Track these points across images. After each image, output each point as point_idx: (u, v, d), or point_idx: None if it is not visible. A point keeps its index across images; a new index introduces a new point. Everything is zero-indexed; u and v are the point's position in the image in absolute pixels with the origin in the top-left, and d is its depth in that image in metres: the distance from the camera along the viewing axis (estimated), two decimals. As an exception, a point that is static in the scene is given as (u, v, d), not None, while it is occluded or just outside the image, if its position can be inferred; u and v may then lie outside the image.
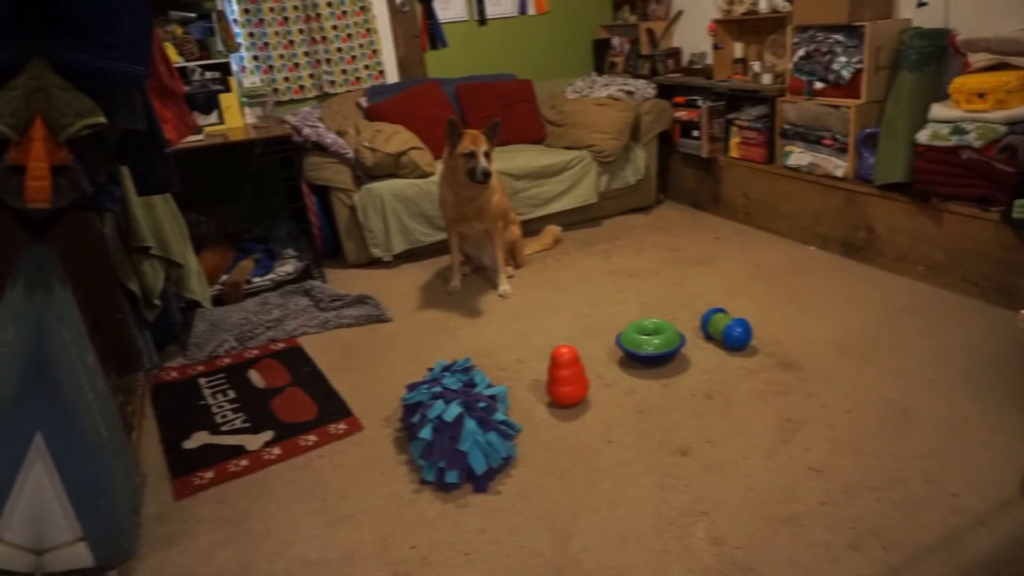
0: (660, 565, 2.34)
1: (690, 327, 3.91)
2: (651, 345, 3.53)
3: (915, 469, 2.68)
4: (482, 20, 6.64)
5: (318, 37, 5.86)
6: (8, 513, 2.21)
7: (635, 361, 3.60)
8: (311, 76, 5.98)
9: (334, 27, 5.90)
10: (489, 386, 3.10)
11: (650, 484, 2.73)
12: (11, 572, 2.25)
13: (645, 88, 6.13)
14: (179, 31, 4.90)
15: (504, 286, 4.68)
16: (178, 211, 4.01)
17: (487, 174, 4.16)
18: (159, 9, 4.78)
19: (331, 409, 3.43)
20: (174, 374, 3.87)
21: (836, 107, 4.66)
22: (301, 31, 5.83)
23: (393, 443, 3.13)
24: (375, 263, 5.37)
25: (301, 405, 3.48)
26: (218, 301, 4.66)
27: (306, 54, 5.90)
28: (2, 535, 2.22)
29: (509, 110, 6.11)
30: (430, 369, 3.20)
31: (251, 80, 5.65)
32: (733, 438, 2.97)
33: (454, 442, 2.75)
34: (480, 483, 2.76)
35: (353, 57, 6.06)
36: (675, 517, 2.55)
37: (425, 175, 5.18)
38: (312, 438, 3.20)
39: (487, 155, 4.21)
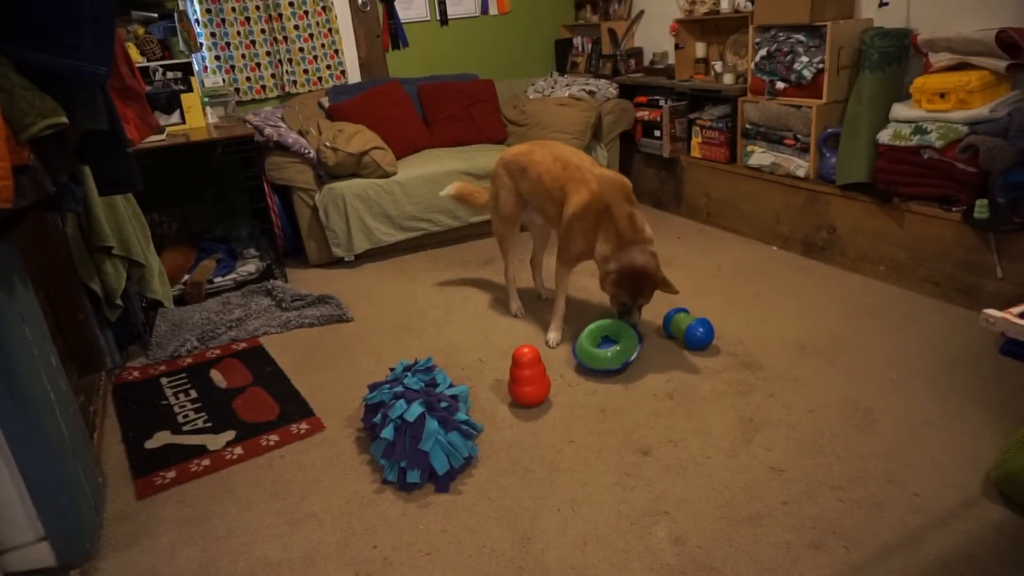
0: (621, 564, 2.36)
1: (652, 327, 3.95)
2: (605, 360, 3.50)
3: (876, 469, 2.72)
4: (444, 20, 6.67)
5: (280, 37, 5.85)
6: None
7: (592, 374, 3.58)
8: (273, 76, 5.97)
9: (296, 27, 5.90)
10: (451, 386, 3.12)
11: (611, 484, 2.75)
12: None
13: (607, 88, 6.19)
14: (141, 31, 4.87)
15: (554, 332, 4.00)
16: (140, 211, 3.99)
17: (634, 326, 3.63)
18: (121, 9, 4.75)
19: (293, 409, 3.43)
20: (136, 374, 3.85)
21: (798, 107, 4.71)
22: (263, 31, 5.82)
23: (355, 443, 3.14)
24: (337, 263, 5.37)
25: (263, 405, 3.49)
26: (180, 301, 4.65)
27: (268, 54, 5.89)
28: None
29: (471, 110, 6.14)
30: (392, 369, 3.21)
31: (213, 80, 5.62)
32: (695, 438, 3.00)
33: (416, 442, 2.76)
34: (442, 483, 2.78)
35: (315, 57, 6.05)
36: (636, 517, 2.57)
37: (387, 175, 5.19)
38: (274, 438, 3.21)
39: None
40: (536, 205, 4.01)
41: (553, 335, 3.92)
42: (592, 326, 3.67)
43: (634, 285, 3.49)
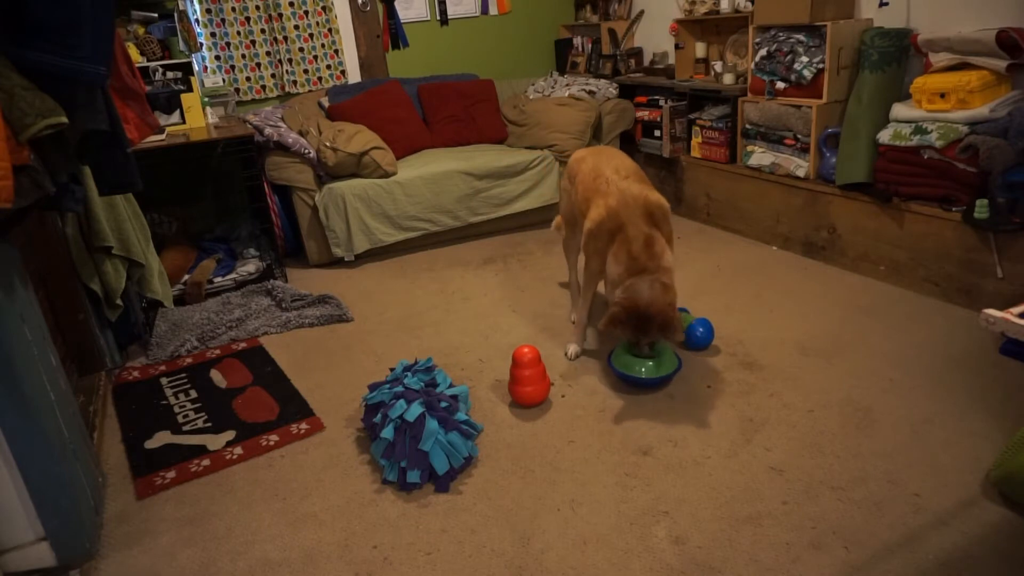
0: (622, 564, 2.37)
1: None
2: (640, 369, 3.34)
3: (876, 469, 2.72)
4: (444, 20, 6.66)
5: (280, 37, 5.85)
6: (-32, 514, 2.21)
7: (626, 382, 3.46)
8: (273, 76, 5.97)
9: (296, 27, 5.89)
10: (451, 386, 3.12)
11: (611, 484, 2.75)
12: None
13: (607, 88, 6.19)
14: (141, 31, 4.88)
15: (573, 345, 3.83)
16: (140, 211, 3.99)
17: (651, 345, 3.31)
18: (121, 9, 4.76)
19: (293, 409, 3.43)
20: (136, 374, 3.85)
21: (798, 107, 4.71)
22: (263, 31, 5.81)
23: (355, 443, 3.14)
24: (337, 262, 5.37)
25: (263, 405, 3.48)
26: (180, 301, 4.65)
27: (268, 54, 5.89)
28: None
29: (471, 110, 6.14)
30: (392, 369, 3.21)
31: (213, 80, 5.62)
32: (695, 438, 3.00)
33: (416, 442, 2.76)
34: (442, 483, 2.78)
35: (315, 57, 6.05)
36: (636, 516, 2.57)
37: (387, 175, 5.19)
38: (274, 438, 3.21)
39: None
40: (579, 218, 3.65)
41: (572, 347, 3.76)
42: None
43: (636, 325, 3.13)
